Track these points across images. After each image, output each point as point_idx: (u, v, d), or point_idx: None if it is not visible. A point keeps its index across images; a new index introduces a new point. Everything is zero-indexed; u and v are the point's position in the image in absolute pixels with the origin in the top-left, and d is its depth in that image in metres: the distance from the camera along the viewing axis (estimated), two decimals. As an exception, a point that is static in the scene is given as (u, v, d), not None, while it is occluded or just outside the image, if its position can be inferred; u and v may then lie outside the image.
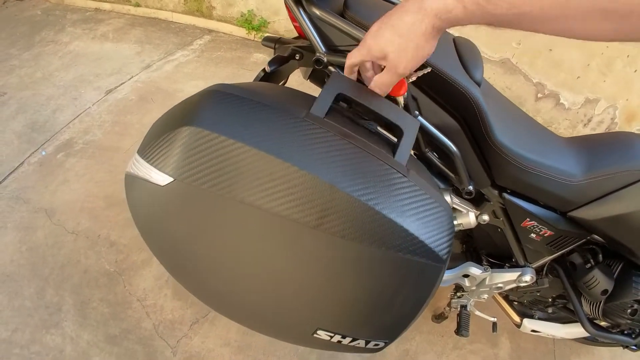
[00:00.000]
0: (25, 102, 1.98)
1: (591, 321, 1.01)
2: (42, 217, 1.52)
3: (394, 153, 0.49)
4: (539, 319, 1.21)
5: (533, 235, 0.89)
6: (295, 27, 0.77)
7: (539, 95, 2.13)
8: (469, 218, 0.88)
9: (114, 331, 1.23)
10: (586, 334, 1.15)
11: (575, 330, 1.15)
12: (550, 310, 1.19)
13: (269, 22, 2.70)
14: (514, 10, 0.38)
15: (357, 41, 0.68)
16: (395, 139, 0.53)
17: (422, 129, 0.70)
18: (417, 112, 0.70)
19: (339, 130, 0.47)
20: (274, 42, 0.82)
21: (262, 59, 2.47)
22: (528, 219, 0.86)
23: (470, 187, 0.80)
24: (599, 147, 0.89)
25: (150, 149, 0.47)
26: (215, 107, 0.46)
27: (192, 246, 0.50)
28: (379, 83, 0.51)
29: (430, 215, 0.47)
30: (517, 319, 1.20)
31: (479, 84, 0.75)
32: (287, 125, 0.44)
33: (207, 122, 0.44)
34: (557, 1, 0.36)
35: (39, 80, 2.13)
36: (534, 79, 2.09)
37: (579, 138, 0.98)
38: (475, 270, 1.00)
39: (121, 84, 2.18)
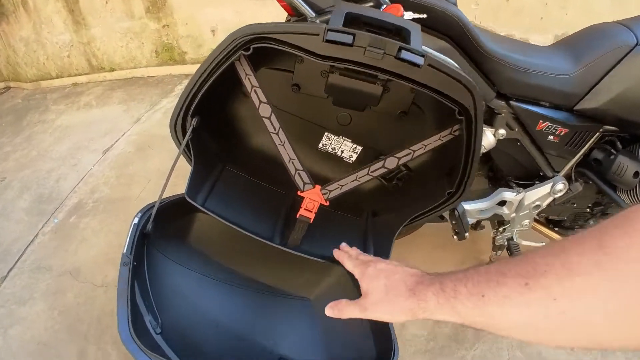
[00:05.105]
0: (27, 180, 2.01)
1: None
2: (68, 279, 1.49)
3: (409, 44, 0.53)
4: (584, 234, 1.19)
5: (551, 137, 0.91)
6: (283, 6, 0.84)
7: (511, 46, 2.21)
8: (487, 138, 0.90)
9: (167, 366, 1.19)
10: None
11: None
12: (592, 222, 1.18)
13: (239, 53, 2.80)
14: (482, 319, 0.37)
15: None
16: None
17: None
18: None
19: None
20: None
21: (242, 85, 2.55)
22: (541, 121, 0.89)
23: None
24: (579, 42, 0.95)
25: None
26: None
27: None
28: (343, 307, 0.52)
29: None
30: (563, 241, 1.19)
31: (455, 4, 0.81)
32: None
33: None
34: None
35: (36, 158, 2.17)
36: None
37: (558, 42, 1.04)
38: (509, 194, 1.00)
39: (116, 141, 2.23)
